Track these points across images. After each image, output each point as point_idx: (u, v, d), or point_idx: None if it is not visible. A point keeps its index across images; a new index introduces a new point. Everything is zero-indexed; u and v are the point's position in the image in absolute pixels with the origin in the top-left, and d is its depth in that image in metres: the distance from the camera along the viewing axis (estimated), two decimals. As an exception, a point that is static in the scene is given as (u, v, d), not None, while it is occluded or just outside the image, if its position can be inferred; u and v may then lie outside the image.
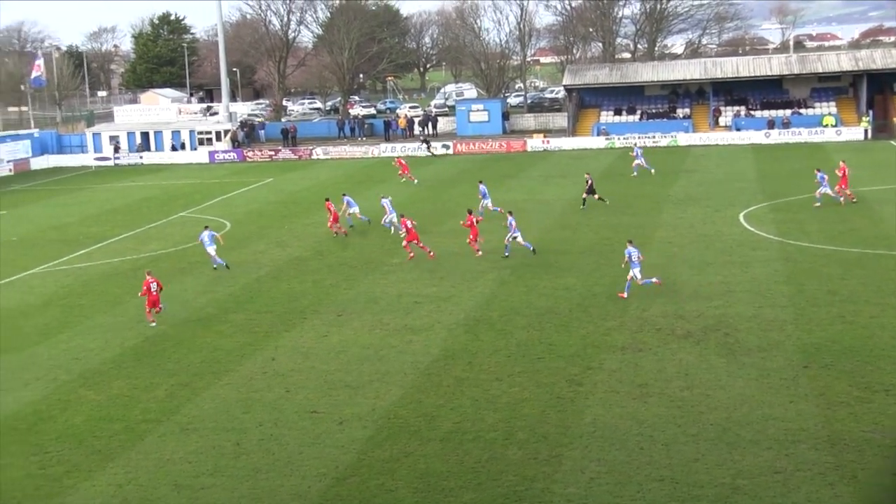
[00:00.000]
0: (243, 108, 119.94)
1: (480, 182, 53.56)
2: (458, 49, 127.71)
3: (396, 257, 43.08)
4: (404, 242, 42.54)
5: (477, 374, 27.16)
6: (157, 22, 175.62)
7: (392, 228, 48.04)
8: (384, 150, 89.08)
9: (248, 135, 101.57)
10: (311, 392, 26.51)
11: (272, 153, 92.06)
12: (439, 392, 25.96)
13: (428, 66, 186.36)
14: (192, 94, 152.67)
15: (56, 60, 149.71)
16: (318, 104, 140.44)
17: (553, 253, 42.40)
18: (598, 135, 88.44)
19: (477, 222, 42.50)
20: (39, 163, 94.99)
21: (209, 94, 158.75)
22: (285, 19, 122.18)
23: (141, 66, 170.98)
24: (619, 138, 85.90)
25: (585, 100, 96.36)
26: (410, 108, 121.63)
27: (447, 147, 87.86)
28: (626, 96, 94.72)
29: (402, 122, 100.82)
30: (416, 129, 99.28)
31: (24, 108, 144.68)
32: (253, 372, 28.55)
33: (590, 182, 53.76)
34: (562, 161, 76.52)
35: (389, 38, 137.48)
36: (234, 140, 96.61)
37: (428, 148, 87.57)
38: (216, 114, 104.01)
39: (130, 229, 54.92)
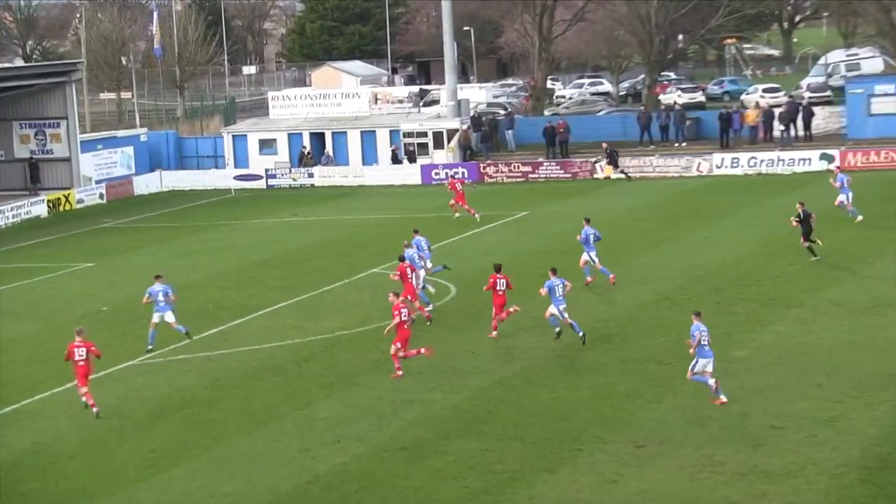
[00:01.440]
0: (480, 94, 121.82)
1: (586, 220, 53.84)
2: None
3: (738, 348, 42.69)
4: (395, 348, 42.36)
5: (883, 557, 26.68)
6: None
7: None
8: (719, 163, 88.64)
9: (487, 137, 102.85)
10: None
11: (528, 169, 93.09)
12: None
13: (797, 19, 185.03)
14: (395, 71, 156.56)
15: (178, 16, 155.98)
16: (607, 86, 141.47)
17: None
18: None
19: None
20: (148, 183, 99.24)
21: (423, 69, 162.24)
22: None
23: (313, 25, 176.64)
24: None
25: None
26: (766, 91, 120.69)
27: (828, 159, 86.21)
28: None
29: (750, 117, 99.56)
30: (777, 129, 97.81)
31: (125, 95, 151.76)
32: (494, 540, 28.90)
33: (808, 217, 55.36)
34: None
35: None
36: (464, 146, 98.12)
37: (615, 165, 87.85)
38: (435, 102, 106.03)
39: (291, 295, 56.42)
